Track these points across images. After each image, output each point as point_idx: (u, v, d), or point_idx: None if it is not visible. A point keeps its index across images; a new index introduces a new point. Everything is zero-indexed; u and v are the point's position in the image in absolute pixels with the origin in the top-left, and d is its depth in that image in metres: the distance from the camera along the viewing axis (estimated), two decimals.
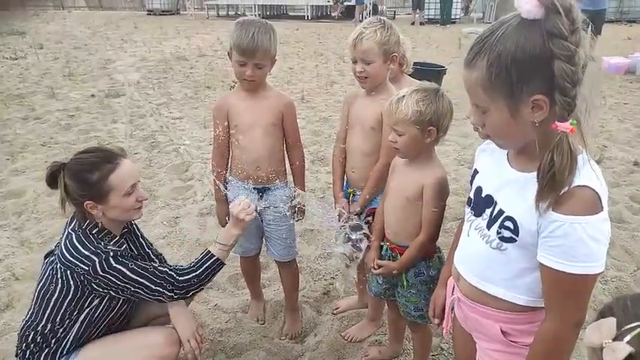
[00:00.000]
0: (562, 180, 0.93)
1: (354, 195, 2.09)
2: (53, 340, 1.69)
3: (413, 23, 15.76)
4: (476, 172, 1.24)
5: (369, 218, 2.02)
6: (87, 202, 1.65)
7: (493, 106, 0.99)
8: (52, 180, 1.67)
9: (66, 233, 1.72)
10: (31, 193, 3.74)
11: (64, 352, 1.71)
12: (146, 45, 10.90)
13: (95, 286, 1.64)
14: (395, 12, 18.91)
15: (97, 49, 10.27)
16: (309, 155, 4.50)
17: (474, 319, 1.25)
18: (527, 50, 0.91)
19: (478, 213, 1.17)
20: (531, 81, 0.93)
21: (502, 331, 1.17)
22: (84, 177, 1.64)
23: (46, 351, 1.70)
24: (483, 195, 1.16)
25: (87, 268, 1.60)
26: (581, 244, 0.96)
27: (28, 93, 6.67)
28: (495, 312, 1.17)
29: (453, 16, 16.44)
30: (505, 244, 1.10)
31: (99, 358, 1.71)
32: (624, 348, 0.59)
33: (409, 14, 17.45)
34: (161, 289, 1.70)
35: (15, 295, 2.61)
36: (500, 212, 1.10)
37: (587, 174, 0.97)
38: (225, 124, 2.05)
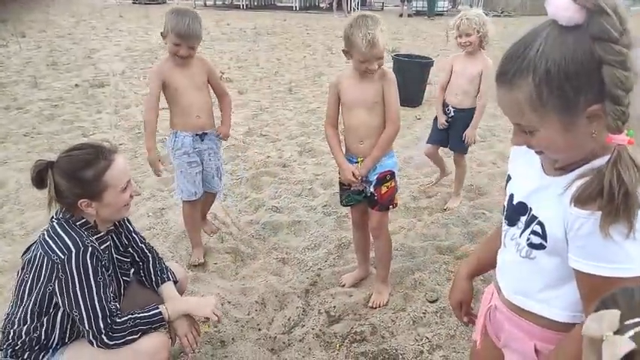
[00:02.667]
0: (636, 198, 0.83)
1: (362, 163, 2.31)
2: (36, 337, 1.65)
3: (401, 15, 15.74)
4: (509, 177, 1.16)
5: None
6: (81, 200, 1.60)
7: (544, 125, 0.89)
8: (40, 180, 1.61)
9: (50, 221, 1.69)
10: (13, 184, 3.67)
11: (50, 349, 1.67)
12: (131, 34, 10.73)
13: (56, 284, 1.57)
14: (383, 4, 18.84)
15: (82, 38, 10.08)
16: (297, 147, 4.49)
17: (509, 332, 1.15)
18: (578, 60, 0.82)
19: (512, 222, 1.09)
20: (587, 92, 0.84)
21: (536, 349, 1.07)
22: (78, 175, 1.58)
23: (30, 348, 1.67)
24: (515, 202, 1.08)
25: (63, 257, 1.55)
26: (607, 241, 0.85)
27: (10, 82, 6.53)
28: (532, 326, 1.08)
29: (440, 9, 16.46)
30: (534, 252, 1.02)
31: None
32: (626, 343, 0.55)
33: (397, 6, 17.41)
34: (95, 324, 1.58)
35: None
36: (533, 218, 1.02)
37: None
38: (159, 85, 2.55)
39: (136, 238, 1.96)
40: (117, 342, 1.62)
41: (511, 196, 1.10)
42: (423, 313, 2.41)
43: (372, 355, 2.17)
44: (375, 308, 2.48)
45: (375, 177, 2.32)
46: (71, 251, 1.56)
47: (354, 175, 2.29)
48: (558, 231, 0.95)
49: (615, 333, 0.57)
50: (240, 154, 4.34)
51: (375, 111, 2.24)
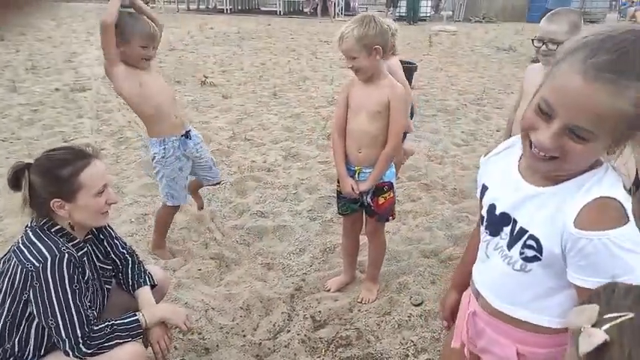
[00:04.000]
0: None
1: (359, 173, 2.31)
2: (9, 349, 1.60)
3: None
4: (485, 187, 1.15)
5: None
6: (54, 200, 1.57)
7: (601, 139, 0.84)
8: (15, 181, 1.58)
9: (25, 230, 1.66)
10: None
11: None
12: None
13: (31, 293, 1.53)
14: (367, 9, 18.96)
15: (62, 42, 9.94)
16: (282, 151, 4.48)
17: (489, 337, 1.16)
18: None
19: (495, 232, 1.09)
20: None
21: (518, 353, 1.09)
22: (54, 173, 1.56)
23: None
24: (497, 213, 1.08)
25: (38, 265, 1.51)
26: (613, 258, 0.87)
27: None
28: (516, 331, 1.09)
29: (422, 14, 16.64)
30: (529, 265, 1.03)
31: None
32: (600, 335, 0.60)
33: (381, 11, 17.56)
34: (72, 333, 1.54)
35: None
36: (522, 231, 1.02)
37: (610, 184, 0.91)
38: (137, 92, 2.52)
39: (118, 244, 1.93)
40: (94, 350, 1.58)
41: (492, 207, 1.09)
42: (408, 316, 2.42)
43: (358, 359, 2.16)
44: (364, 304, 2.50)
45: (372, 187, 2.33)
46: (46, 259, 1.52)
47: (352, 188, 2.30)
48: (555, 247, 0.95)
49: (593, 326, 0.62)
50: (225, 158, 4.32)
51: (376, 120, 2.21)
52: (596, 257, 0.89)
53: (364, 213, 2.49)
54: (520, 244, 1.02)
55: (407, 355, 2.18)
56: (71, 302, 1.54)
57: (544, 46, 2.32)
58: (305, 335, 2.30)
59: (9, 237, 3.03)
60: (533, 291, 1.04)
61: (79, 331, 1.55)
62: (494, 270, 1.11)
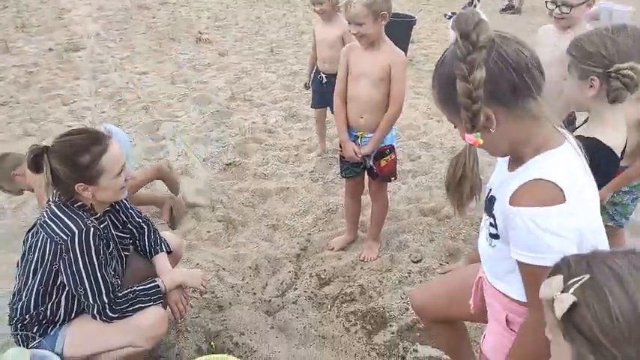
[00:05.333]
0: (466, 185, 1.05)
1: (362, 137, 2.39)
2: (43, 312, 1.74)
3: None
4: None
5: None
6: (78, 184, 1.65)
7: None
8: (36, 165, 1.64)
9: (48, 205, 1.75)
10: None
11: (56, 324, 1.77)
12: None
13: (61, 264, 1.65)
14: None
15: None
16: (282, 112, 4.51)
17: (489, 301, 1.30)
18: (448, 73, 1.03)
19: (487, 211, 1.19)
20: (455, 99, 1.01)
21: (507, 320, 1.20)
22: (74, 160, 1.63)
23: (38, 323, 1.75)
24: (489, 196, 1.19)
25: (66, 238, 1.62)
26: (530, 234, 0.98)
27: None
28: (505, 299, 1.20)
29: None
30: (494, 241, 1.15)
31: (87, 336, 1.75)
32: (569, 298, 0.72)
33: None
34: (99, 299, 1.67)
35: None
36: (491, 209, 1.15)
37: (546, 169, 1.01)
38: None
39: (133, 214, 2.03)
40: (120, 314, 1.72)
41: (489, 189, 1.21)
42: (408, 273, 2.56)
43: (361, 313, 2.32)
44: (366, 262, 2.64)
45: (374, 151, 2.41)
46: (74, 232, 1.63)
47: (355, 152, 2.37)
48: (501, 224, 1.09)
49: (562, 292, 0.74)
50: (226, 120, 4.35)
51: (379, 86, 2.27)
52: (519, 232, 1.01)
53: (367, 175, 2.58)
54: (490, 221, 1.16)
55: (407, 309, 2.33)
56: (98, 272, 1.66)
57: (557, 9, 2.32)
58: (311, 292, 2.45)
59: (21, 203, 3.13)
60: (503, 265, 1.15)
61: (105, 298, 1.68)
62: (481, 244, 1.26)
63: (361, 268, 2.62)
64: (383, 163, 2.45)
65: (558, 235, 0.97)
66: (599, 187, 1.14)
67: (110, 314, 1.71)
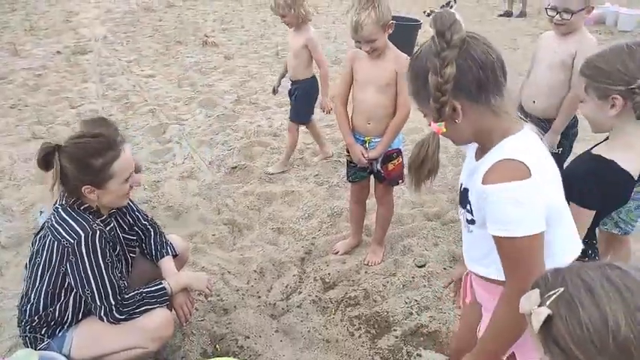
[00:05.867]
0: (425, 169, 1.17)
1: (369, 142, 2.40)
2: (51, 314, 1.77)
3: None
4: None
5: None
6: (85, 186, 1.67)
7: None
8: (46, 162, 1.66)
9: (54, 207, 1.77)
10: (6, 159, 3.69)
11: (64, 325, 1.79)
12: None
13: (68, 266, 1.68)
14: None
15: (58, 0, 9.71)
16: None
17: (478, 292, 1.37)
18: (421, 65, 1.12)
19: (462, 204, 1.27)
20: (426, 90, 1.10)
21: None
22: (86, 162, 1.64)
23: (47, 324, 1.78)
24: (462, 189, 1.26)
25: (72, 242, 1.65)
26: (503, 208, 1.07)
27: None
28: (489, 284, 1.26)
29: None
30: (471, 226, 1.23)
31: (94, 337, 1.78)
32: (543, 311, 0.74)
33: None
34: (106, 301, 1.70)
35: (3, 264, 2.65)
36: (466, 198, 1.23)
37: (510, 150, 1.10)
38: None
39: (140, 216, 2.06)
40: (126, 316, 1.75)
41: (461, 184, 1.30)
42: (412, 277, 2.57)
43: (365, 317, 2.34)
44: (370, 266, 2.65)
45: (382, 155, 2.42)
46: (80, 236, 1.66)
47: (363, 155, 2.39)
48: (476, 207, 1.17)
49: (539, 306, 0.76)
50: (231, 123, 4.38)
51: (385, 93, 2.28)
52: (493, 207, 1.09)
53: (373, 179, 2.60)
54: (465, 209, 1.24)
55: (411, 313, 2.35)
56: (104, 274, 1.69)
57: (558, 15, 2.32)
58: (316, 296, 2.46)
59: (29, 205, 3.17)
60: (479, 249, 1.23)
61: (112, 300, 1.71)
62: (463, 235, 1.34)
63: (365, 272, 2.64)
64: (390, 166, 2.47)
65: (528, 206, 1.07)
66: (608, 212, 1.18)
67: (117, 316, 1.73)
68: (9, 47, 6.42)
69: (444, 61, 1.04)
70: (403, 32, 5.44)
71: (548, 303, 0.75)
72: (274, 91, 3.76)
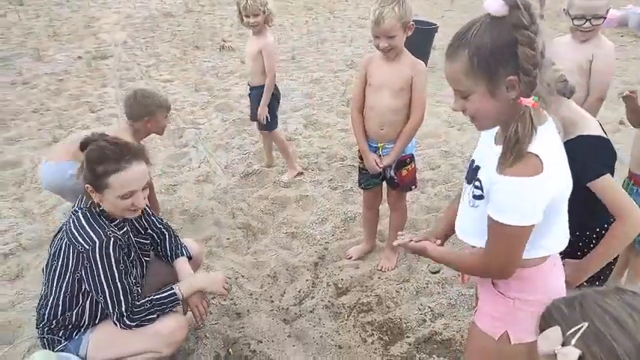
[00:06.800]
0: (524, 146, 1.11)
1: (382, 148, 2.40)
2: (69, 317, 1.80)
3: None
4: (477, 147, 1.42)
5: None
6: (87, 185, 1.74)
7: (475, 90, 1.15)
8: (82, 149, 1.77)
9: (73, 210, 1.82)
10: (28, 162, 3.78)
11: (81, 328, 1.83)
12: (130, 0, 10.53)
13: (83, 272, 1.72)
14: None
15: (80, 6, 9.91)
16: (302, 119, 4.55)
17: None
18: (499, 40, 1.10)
19: (469, 180, 1.33)
20: (504, 65, 1.11)
21: (492, 282, 1.35)
22: (91, 164, 1.71)
23: (64, 327, 1.82)
24: (474, 166, 1.33)
25: (87, 248, 1.68)
26: (503, 195, 1.15)
27: (13, 55, 6.51)
28: None
29: None
30: (477, 202, 1.28)
31: (110, 341, 1.80)
32: (574, 351, 0.69)
33: None
34: (118, 308, 1.72)
35: (24, 266, 2.72)
36: (476, 173, 1.29)
37: (537, 142, 1.12)
38: None
39: (155, 220, 2.09)
40: (138, 323, 1.77)
41: (472, 161, 1.35)
42: (426, 283, 2.55)
43: (378, 324, 2.33)
44: (384, 272, 2.64)
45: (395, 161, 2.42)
46: (95, 242, 1.69)
47: (376, 163, 2.38)
48: (487, 188, 1.23)
49: (563, 345, 0.70)
50: (247, 127, 4.41)
51: (400, 97, 2.28)
52: (499, 195, 1.16)
53: (385, 185, 2.59)
54: (473, 184, 1.29)
55: (424, 320, 2.33)
56: (117, 281, 1.71)
57: (587, 23, 2.27)
58: (329, 301, 2.46)
59: (50, 208, 3.24)
60: (481, 224, 1.26)
61: (123, 306, 1.73)
62: (462, 209, 1.39)
63: (379, 277, 2.63)
64: (404, 172, 2.46)
65: (528, 200, 1.14)
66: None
67: (128, 322, 1.75)
68: (33, 53, 6.58)
69: (535, 32, 1.07)
70: (421, 35, 5.43)
71: (574, 341, 0.70)
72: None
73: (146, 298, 1.80)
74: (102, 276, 1.70)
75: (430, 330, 2.25)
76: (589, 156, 1.54)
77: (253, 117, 3.53)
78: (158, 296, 1.83)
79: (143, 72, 5.92)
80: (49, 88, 5.33)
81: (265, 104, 3.33)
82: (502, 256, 1.22)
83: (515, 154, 1.11)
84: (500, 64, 1.10)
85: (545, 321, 0.76)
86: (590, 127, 1.61)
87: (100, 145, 1.74)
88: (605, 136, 1.64)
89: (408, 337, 2.24)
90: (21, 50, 6.77)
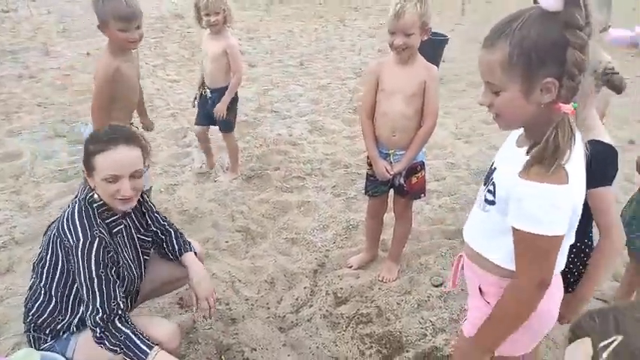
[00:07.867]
0: (564, 153, 1.04)
1: (393, 155, 2.33)
2: (56, 314, 1.73)
3: None
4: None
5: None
6: (83, 166, 1.72)
7: (508, 87, 1.07)
8: None
9: (73, 200, 1.76)
10: (28, 155, 3.73)
11: (70, 329, 1.75)
12: (141, 2, 10.58)
13: (70, 267, 1.66)
14: None
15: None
16: (307, 125, 4.49)
17: (466, 275, 1.42)
18: (547, 37, 1.00)
19: (485, 181, 1.29)
20: (546, 65, 1.02)
21: (480, 290, 1.32)
22: (86, 144, 1.70)
23: (51, 325, 1.75)
24: (492, 167, 1.28)
25: (72, 244, 1.62)
26: (533, 205, 1.07)
27: (21, 49, 6.51)
28: (478, 269, 1.31)
29: None
30: (488, 206, 1.23)
31: (98, 347, 1.66)
32: None
33: None
34: (93, 317, 1.61)
35: (15, 260, 2.65)
36: (490, 176, 1.24)
37: None
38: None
39: (158, 217, 2.03)
40: (103, 344, 1.62)
41: (492, 163, 1.30)
42: (428, 296, 2.47)
43: (377, 336, 2.24)
44: (385, 283, 2.56)
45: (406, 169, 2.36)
46: (79, 240, 1.62)
47: (387, 170, 2.31)
48: (502, 192, 1.16)
49: (592, 359, 0.65)
50: (251, 130, 4.36)
51: (412, 103, 2.21)
52: (523, 203, 1.09)
53: (393, 193, 2.51)
54: (486, 187, 1.24)
55: (425, 335, 2.24)
56: (96, 287, 1.62)
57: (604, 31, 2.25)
58: (327, 311, 2.38)
59: (46, 202, 3.18)
60: (489, 229, 1.23)
61: (99, 315, 1.62)
62: (473, 211, 1.35)
63: (379, 288, 2.55)
64: (414, 180, 2.39)
65: (561, 210, 1.07)
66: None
67: (99, 335, 1.62)
68: (42, 47, 6.57)
69: (588, 36, 1.00)
70: (431, 46, 5.39)
71: (606, 355, 0.65)
72: (193, 105, 3.52)
73: (127, 328, 1.63)
74: (81, 276, 1.62)
75: (431, 345, 2.17)
76: (599, 162, 1.48)
77: (227, 126, 3.43)
78: (136, 340, 1.62)
79: (150, 71, 5.90)
80: (55, 83, 5.30)
81: (226, 102, 3.23)
82: (538, 271, 1.13)
83: (555, 162, 1.03)
84: (543, 63, 1.02)
85: (575, 332, 0.70)
86: (604, 135, 1.57)
87: (104, 128, 1.75)
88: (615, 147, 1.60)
89: (407, 351, 2.16)
90: (29, 45, 6.76)
